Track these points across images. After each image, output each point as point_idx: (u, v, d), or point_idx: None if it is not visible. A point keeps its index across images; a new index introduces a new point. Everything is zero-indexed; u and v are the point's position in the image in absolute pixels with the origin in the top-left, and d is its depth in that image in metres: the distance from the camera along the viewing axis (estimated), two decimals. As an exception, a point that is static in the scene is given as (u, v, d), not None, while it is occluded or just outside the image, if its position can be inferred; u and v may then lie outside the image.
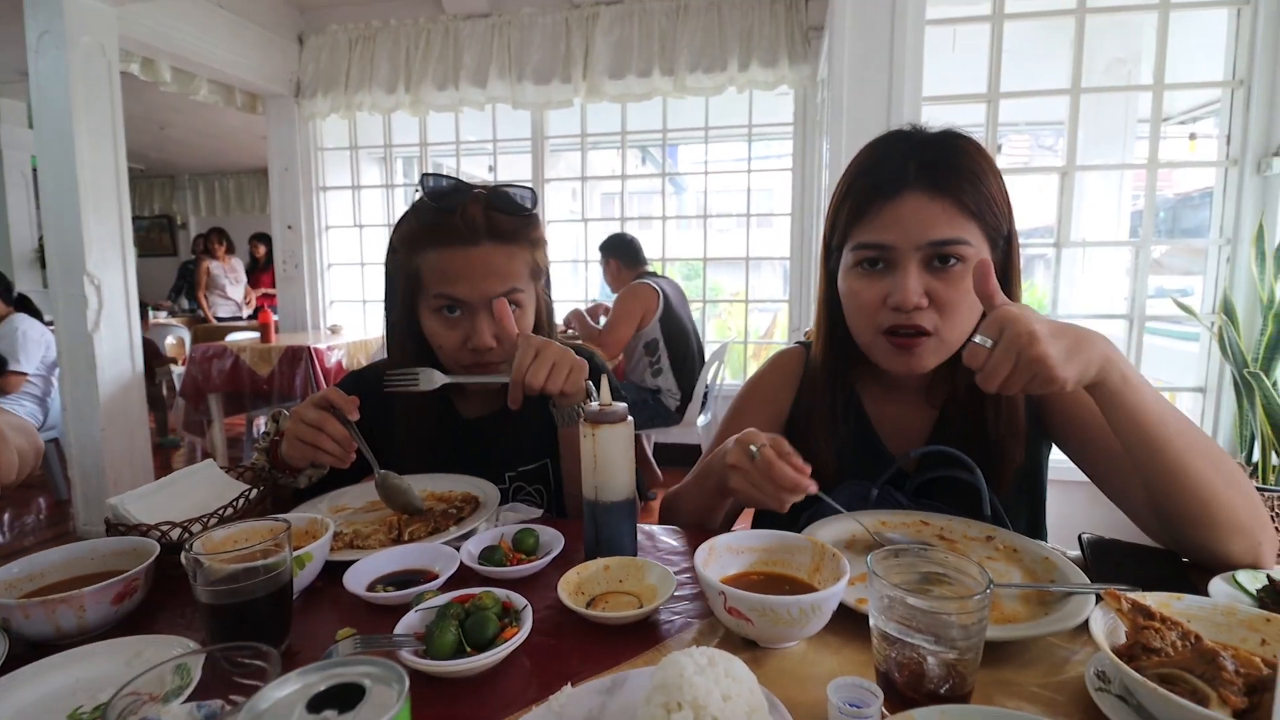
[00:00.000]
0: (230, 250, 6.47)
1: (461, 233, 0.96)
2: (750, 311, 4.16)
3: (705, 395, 3.22)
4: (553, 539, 0.81)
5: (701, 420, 3.28)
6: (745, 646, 0.61)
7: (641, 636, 0.64)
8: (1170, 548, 0.78)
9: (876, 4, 2.35)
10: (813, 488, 0.74)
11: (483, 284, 0.97)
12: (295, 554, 0.68)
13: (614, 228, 3.93)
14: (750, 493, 0.76)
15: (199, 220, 8.30)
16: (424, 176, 0.99)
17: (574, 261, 4.44)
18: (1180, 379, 2.44)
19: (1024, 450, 0.89)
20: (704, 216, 4.08)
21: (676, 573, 0.71)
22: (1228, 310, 2.16)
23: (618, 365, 3.31)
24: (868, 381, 0.99)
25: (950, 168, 0.81)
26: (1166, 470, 0.70)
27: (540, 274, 1.06)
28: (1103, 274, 2.86)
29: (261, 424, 0.97)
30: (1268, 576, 0.66)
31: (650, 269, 3.41)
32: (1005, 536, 0.78)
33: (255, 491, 0.90)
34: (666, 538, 0.88)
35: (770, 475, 0.73)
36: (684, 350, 3.19)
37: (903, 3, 2.33)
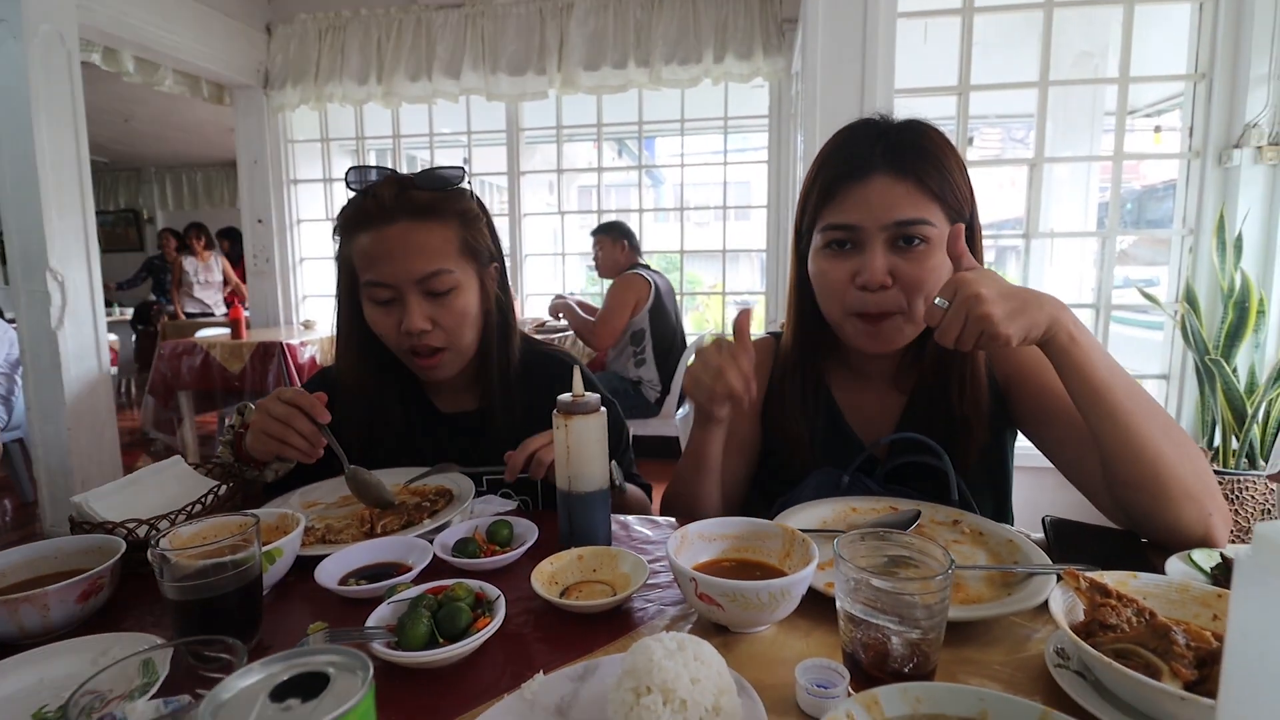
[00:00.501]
0: (209, 246, 6.31)
1: (374, 212, 0.94)
2: (727, 304, 4.18)
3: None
4: (526, 530, 0.81)
5: (680, 412, 3.29)
6: (717, 632, 0.62)
7: (615, 624, 0.64)
8: (1124, 521, 0.80)
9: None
10: (744, 400, 0.82)
11: (404, 263, 0.93)
12: (265, 549, 0.67)
13: (591, 220, 3.92)
14: (701, 379, 0.82)
15: (166, 215, 8.09)
16: (351, 168, 0.97)
17: (552, 255, 4.43)
18: (1145, 367, 2.50)
19: (988, 430, 0.91)
20: (681, 209, 4.08)
21: (650, 561, 0.72)
22: (1190, 299, 2.22)
23: (598, 356, 3.30)
24: (837, 369, 1.01)
25: (915, 150, 0.84)
26: (1116, 433, 0.73)
27: (479, 253, 1.01)
28: (1071, 264, 2.93)
29: (227, 418, 0.96)
30: (1221, 555, 0.68)
31: (644, 262, 3.40)
32: (971, 520, 0.80)
33: (225, 487, 0.88)
34: (641, 527, 0.89)
35: (730, 361, 0.80)
36: (669, 343, 3.20)
37: (876, -4, 2.35)
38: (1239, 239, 2.15)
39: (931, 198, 0.83)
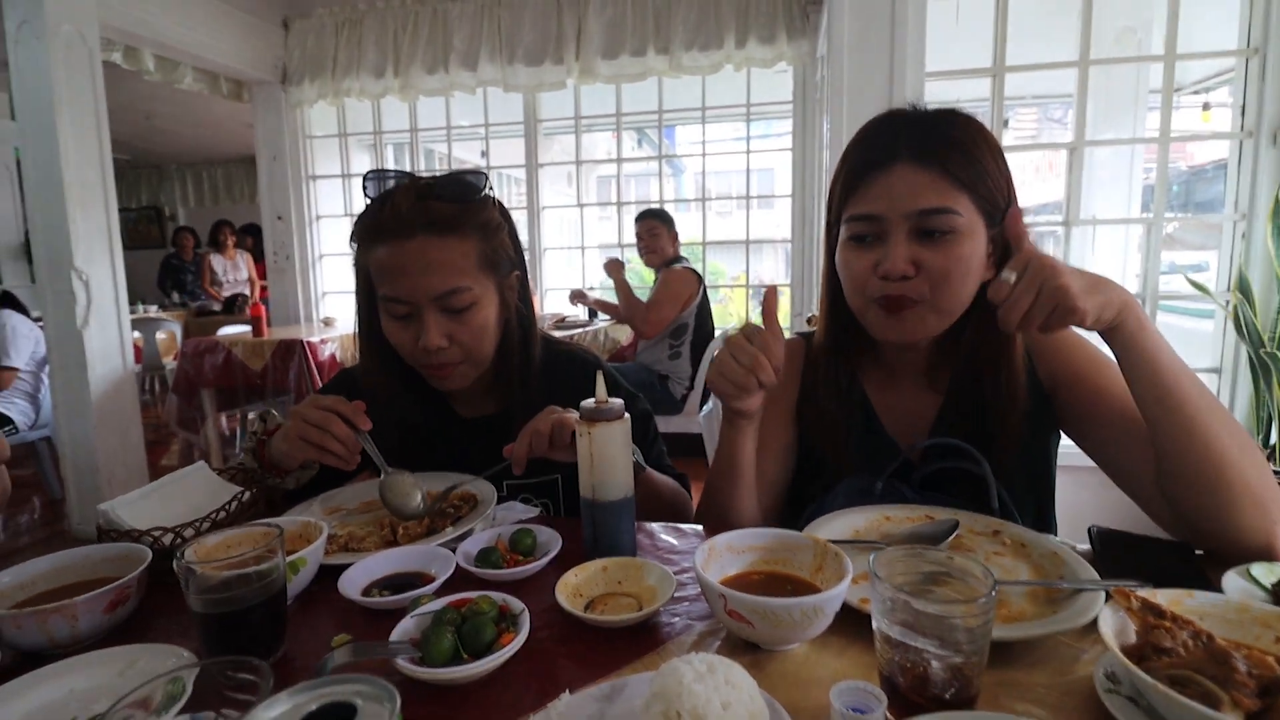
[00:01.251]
0: (238, 244, 6.35)
1: (392, 226, 0.91)
2: (752, 296, 4.13)
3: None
4: (550, 539, 0.80)
5: (705, 409, 3.27)
6: (747, 649, 0.60)
7: (641, 639, 0.63)
8: (1177, 528, 0.77)
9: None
10: (772, 379, 0.78)
11: (422, 280, 0.90)
12: (289, 559, 0.66)
13: (611, 212, 3.89)
14: (727, 369, 0.79)
15: (188, 211, 8.21)
16: (369, 173, 0.95)
17: (569, 249, 4.40)
18: (1195, 359, 2.40)
19: (1030, 431, 0.87)
20: (703, 199, 4.03)
21: (676, 573, 0.70)
22: (1243, 288, 2.11)
23: (628, 344, 3.27)
24: (871, 368, 0.98)
25: (941, 139, 0.81)
26: (1181, 426, 0.71)
27: (500, 264, 0.98)
28: (1114, 251, 2.82)
29: (250, 424, 0.96)
30: (1281, 568, 0.65)
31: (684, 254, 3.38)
32: (1013, 531, 0.77)
33: (248, 494, 0.88)
34: (667, 536, 0.87)
35: (760, 350, 0.77)
36: (705, 340, 3.19)
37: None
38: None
39: (959, 187, 0.80)
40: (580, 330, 3.44)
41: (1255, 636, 0.54)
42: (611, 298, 3.39)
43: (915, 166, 0.81)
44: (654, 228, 3.32)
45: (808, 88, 3.53)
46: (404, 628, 0.60)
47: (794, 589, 0.64)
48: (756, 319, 0.82)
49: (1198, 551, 0.74)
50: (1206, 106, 2.86)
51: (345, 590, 0.68)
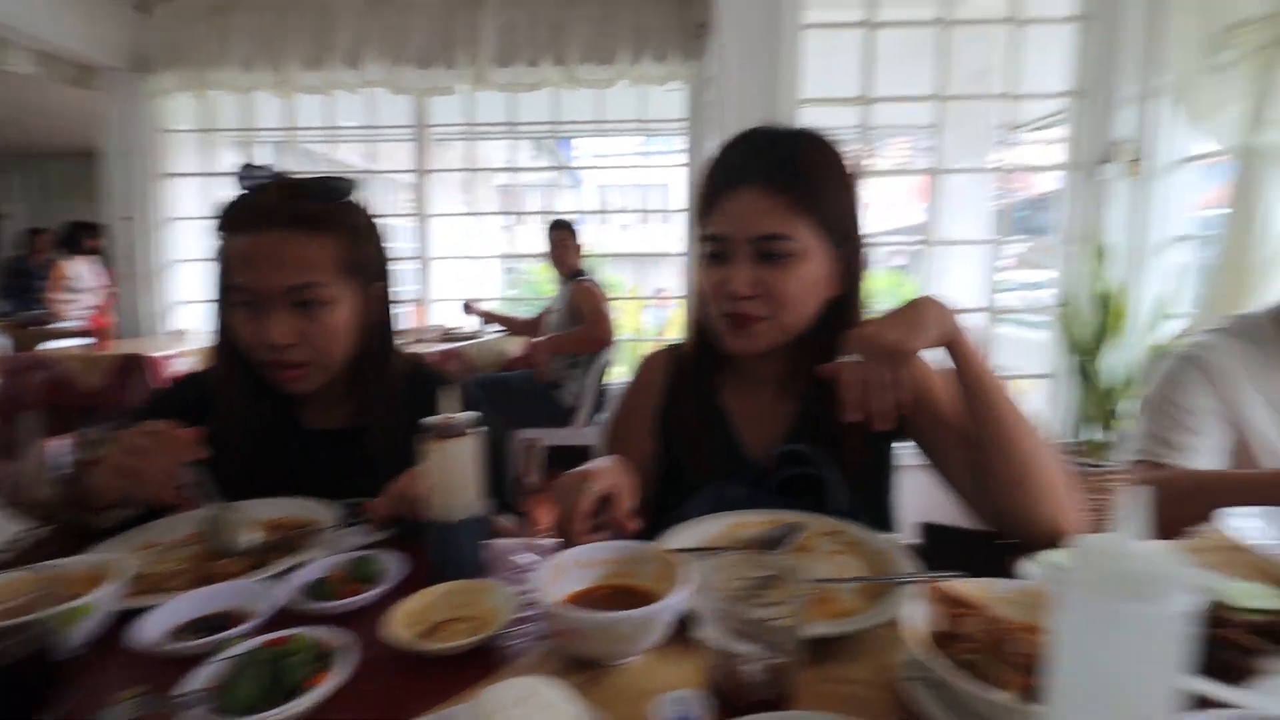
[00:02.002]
0: (81, 249, 5.65)
1: (253, 217, 0.90)
2: (648, 309, 4.19)
3: (601, 395, 3.20)
4: (397, 564, 0.75)
5: (596, 421, 3.27)
6: (585, 665, 0.59)
7: (482, 665, 0.60)
8: (992, 520, 0.85)
9: (754, 5, 2.41)
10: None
11: (275, 273, 0.88)
12: (70, 606, 0.58)
13: (508, 222, 3.81)
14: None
15: (27, 209, 7.25)
16: (243, 166, 0.92)
17: (462, 259, 4.27)
18: (1034, 367, 2.68)
19: (873, 434, 0.93)
20: (602, 212, 4.05)
21: (526, 592, 0.68)
22: (1069, 302, 2.40)
23: (539, 362, 3.18)
24: (733, 378, 1.01)
25: (787, 165, 0.87)
26: (1000, 427, 0.81)
27: (364, 271, 0.96)
28: (968, 270, 3.11)
29: (62, 450, 0.84)
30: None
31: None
32: (852, 531, 0.81)
33: (44, 530, 0.78)
34: (524, 555, 0.85)
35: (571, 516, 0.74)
36: (604, 353, 3.19)
37: (779, 5, 2.40)
38: (1108, 248, 2.34)
39: (800, 212, 0.86)
40: (467, 342, 3.33)
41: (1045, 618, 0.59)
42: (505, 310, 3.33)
43: (760, 191, 0.86)
44: (564, 238, 3.33)
45: (699, 107, 3.65)
46: (203, 674, 0.54)
47: (638, 600, 0.63)
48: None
49: (1013, 542, 0.82)
50: (1047, 142, 3.20)
51: (139, 637, 0.60)
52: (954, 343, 0.81)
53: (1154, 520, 0.35)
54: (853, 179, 0.92)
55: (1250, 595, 0.64)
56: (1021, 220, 3.46)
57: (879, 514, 0.98)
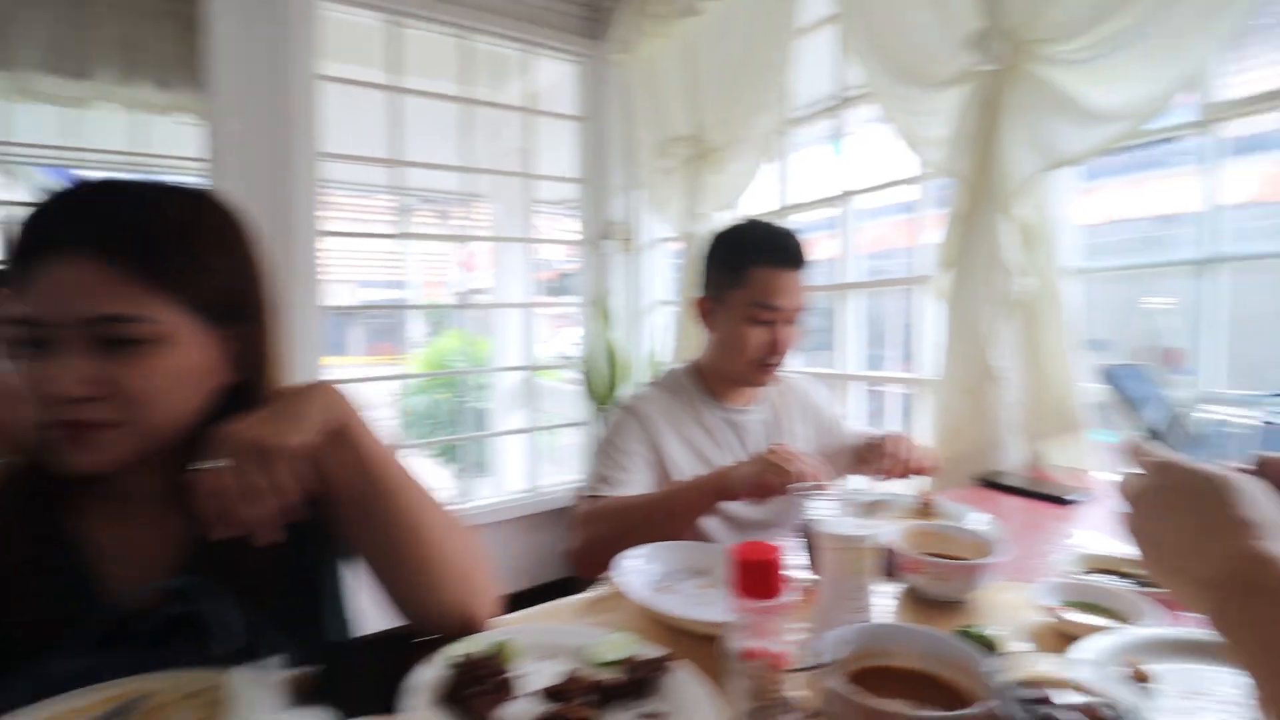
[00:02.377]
0: None
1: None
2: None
3: None
4: None
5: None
6: None
7: None
8: (406, 612, 0.77)
9: (254, 48, 2.15)
10: None
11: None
12: None
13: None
14: None
15: None
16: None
17: None
18: (572, 415, 2.99)
19: (296, 536, 0.78)
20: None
21: None
22: (589, 358, 2.75)
23: None
24: (90, 500, 0.73)
25: (139, 229, 0.67)
26: (390, 511, 0.72)
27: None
28: (515, 329, 3.35)
29: None
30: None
31: None
32: (225, 686, 0.62)
33: None
34: None
35: None
36: None
37: (287, 50, 2.19)
38: (612, 310, 2.79)
39: (158, 288, 0.66)
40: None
41: None
42: None
43: (91, 261, 0.64)
44: None
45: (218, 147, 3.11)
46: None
47: None
48: None
49: (417, 640, 0.74)
50: (571, 218, 3.73)
51: None
52: (345, 431, 0.70)
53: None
54: (246, 242, 0.77)
55: (614, 648, 0.68)
56: (563, 285, 3.96)
57: (315, 630, 0.82)
